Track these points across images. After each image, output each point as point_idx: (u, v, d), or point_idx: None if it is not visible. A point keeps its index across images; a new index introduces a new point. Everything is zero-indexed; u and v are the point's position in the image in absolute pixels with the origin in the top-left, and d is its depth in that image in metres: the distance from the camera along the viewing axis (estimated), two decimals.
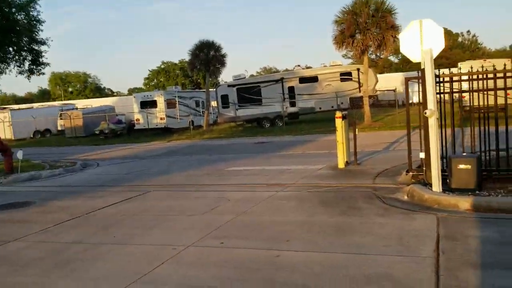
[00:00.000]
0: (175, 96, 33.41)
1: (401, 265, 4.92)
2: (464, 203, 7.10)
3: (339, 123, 12.11)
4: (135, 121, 33.50)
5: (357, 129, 12.36)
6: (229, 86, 32.27)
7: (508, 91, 8.63)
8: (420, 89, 9.00)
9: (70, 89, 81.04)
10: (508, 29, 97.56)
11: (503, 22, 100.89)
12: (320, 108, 31.84)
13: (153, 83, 72.47)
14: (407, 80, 9.31)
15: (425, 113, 7.61)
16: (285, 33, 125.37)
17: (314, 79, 32.01)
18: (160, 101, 32.41)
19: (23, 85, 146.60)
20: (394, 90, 42.48)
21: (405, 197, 8.05)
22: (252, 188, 10.13)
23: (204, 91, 37.13)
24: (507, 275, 4.56)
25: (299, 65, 33.74)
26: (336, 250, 5.63)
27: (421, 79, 8.74)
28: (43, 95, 79.17)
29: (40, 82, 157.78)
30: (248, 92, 31.72)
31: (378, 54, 68.54)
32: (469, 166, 8.01)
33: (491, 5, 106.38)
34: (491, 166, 8.82)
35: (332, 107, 30.48)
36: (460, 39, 71.67)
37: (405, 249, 5.40)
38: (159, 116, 32.37)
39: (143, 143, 28.03)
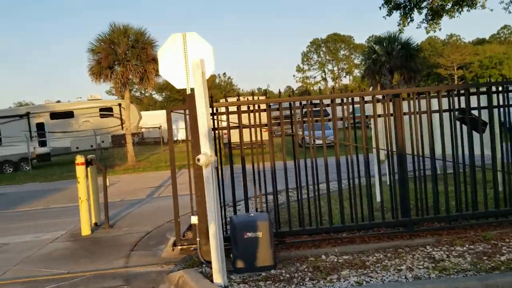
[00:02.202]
0: None
1: None
2: None
3: (81, 171, 8.38)
4: None
5: (108, 179, 8.87)
6: None
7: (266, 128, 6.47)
8: (188, 124, 6.18)
9: None
10: (259, 72, 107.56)
11: (254, 65, 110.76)
12: (77, 148, 26.95)
13: None
14: (169, 111, 6.33)
15: (198, 160, 4.70)
16: (40, 66, 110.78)
17: (69, 114, 27.09)
18: None
19: None
20: (160, 127, 40.36)
21: None
22: None
23: None
24: None
25: (48, 101, 28.24)
26: None
27: (189, 109, 5.91)
28: None
29: None
30: None
31: (142, 90, 66.37)
32: (260, 234, 5.41)
33: (243, 50, 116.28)
34: (280, 227, 6.45)
35: (92, 146, 26.14)
36: (217, 80, 75.05)
37: None
38: None
39: None
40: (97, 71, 23.32)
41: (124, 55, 23.15)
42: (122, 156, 24.73)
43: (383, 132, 6.90)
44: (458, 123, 6.52)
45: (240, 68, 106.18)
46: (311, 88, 64.76)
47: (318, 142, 6.72)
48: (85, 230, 8.30)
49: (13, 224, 10.33)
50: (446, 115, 6.43)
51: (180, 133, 41.06)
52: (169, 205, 11.66)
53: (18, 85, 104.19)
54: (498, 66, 55.23)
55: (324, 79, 61.79)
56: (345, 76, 64.55)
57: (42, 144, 26.27)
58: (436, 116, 6.51)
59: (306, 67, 64.12)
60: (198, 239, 5.76)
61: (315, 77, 63.42)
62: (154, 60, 23.70)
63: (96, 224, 9.04)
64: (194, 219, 5.74)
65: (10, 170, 25.15)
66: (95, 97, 28.74)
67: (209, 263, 5.62)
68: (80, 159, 8.37)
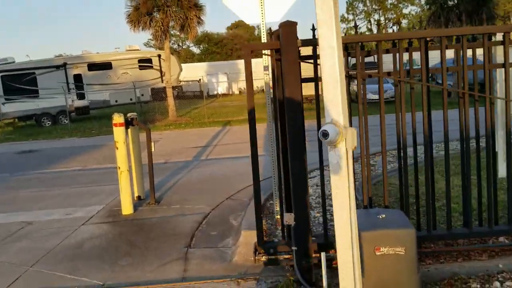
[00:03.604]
0: None
1: None
2: None
3: (120, 134, 6.42)
4: None
5: (153, 143, 6.91)
6: None
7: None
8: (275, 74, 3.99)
9: None
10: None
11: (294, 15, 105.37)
12: (116, 101, 25.39)
13: None
14: (249, 51, 4.05)
15: (324, 134, 2.55)
16: (80, 18, 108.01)
17: (107, 65, 25.33)
18: None
19: None
20: (199, 81, 38.35)
21: None
22: None
23: None
24: None
25: (86, 51, 26.41)
26: None
27: (284, 46, 3.68)
28: None
29: None
30: (19, 81, 23.33)
31: (179, 42, 64.06)
32: (401, 249, 3.31)
33: None
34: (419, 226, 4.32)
35: (131, 99, 24.47)
36: (256, 32, 71.74)
37: None
38: None
39: None
40: (135, 18, 21.23)
41: (164, 0, 20.86)
42: (163, 110, 22.95)
43: None
44: None
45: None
46: None
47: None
48: (126, 209, 6.44)
49: (43, 191, 8.66)
50: None
51: (221, 87, 38.97)
52: (223, 172, 9.72)
53: (58, 39, 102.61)
54: None
55: (370, 30, 57.54)
56: (391, 27, 59.98)
57: (80, 96, 24.77)
58: None
59: (350, 17, 59.87)
60: (294, 248, 3.73)
61: (360, 27, 59.17)
62: (196, 6, 21.42)
63: (139, 197, 7.20)
64: (290, 218, 3.67)
65: (48, 124, 23.91)
66: (133, 47, 26.78)
67: (312, 287, 3.61)
68: (118, 118, 6.39)
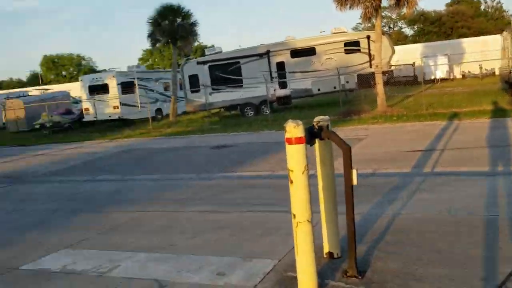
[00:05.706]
0: (134, 78, 24.74)
1: None
2: None
3: (297, 157, 3.54)
4: (84, 111, 25.10)
5: (355, 171, 3.85)
6: (198, 63, 23.48)
7: None
8: None
9: (63, 73, 72.16)
10: None
11: None
12: (318, 90, 23.10)
13: (147, 64, 63.24)
14: None
15: None
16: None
17: (310, 51, 23.16)
18: (113, 84, 23.77)
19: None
20: (413, 65, 33.47)
21: None
22: None
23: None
24: None
25: (289, 37, 24.64)
26: None
27: None
28: (34, 80, 70.04)
29: (32, 65, 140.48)
30: (224, 70, 23.02)
31: (390, 24, 58.81)
32: None
33: None
34: None
35: (335, 87, 21.80)
36: (482, 7, 61.10)
37: None
38: (112, 104, 23.87)
39: (84, 141, 19.88)
40: None
41: None
42: (370, 99, 19.63)
43: None
44: None
45: None
46: None
47: None
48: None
49: (211, 212, 6.53)
50: None
51: (439, 71, 33.31)
52: (470, 205, 5.77)
53: (261, 27, 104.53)
54: None
55: None
56: None
57: (282, 85, 23.25)
58: None
59: None
60: None
61: None
62: None
63: (331, 255, 4.28)
64: None
65: (251, 114, 23.10)
66: (339, 29, 23.97)
67: None
68: (293, 129, 3.48)
